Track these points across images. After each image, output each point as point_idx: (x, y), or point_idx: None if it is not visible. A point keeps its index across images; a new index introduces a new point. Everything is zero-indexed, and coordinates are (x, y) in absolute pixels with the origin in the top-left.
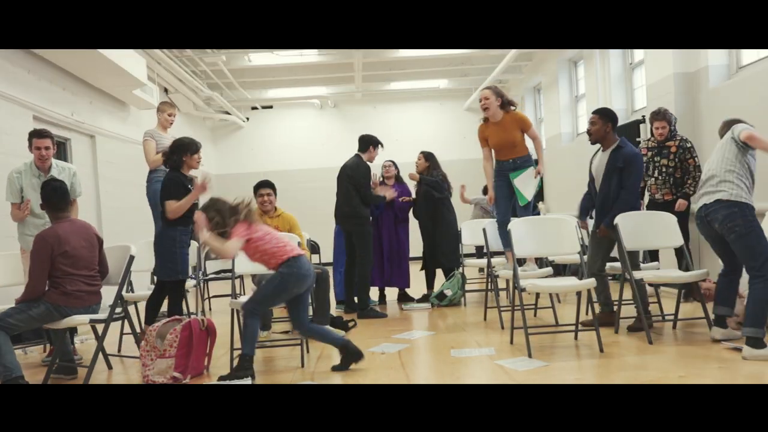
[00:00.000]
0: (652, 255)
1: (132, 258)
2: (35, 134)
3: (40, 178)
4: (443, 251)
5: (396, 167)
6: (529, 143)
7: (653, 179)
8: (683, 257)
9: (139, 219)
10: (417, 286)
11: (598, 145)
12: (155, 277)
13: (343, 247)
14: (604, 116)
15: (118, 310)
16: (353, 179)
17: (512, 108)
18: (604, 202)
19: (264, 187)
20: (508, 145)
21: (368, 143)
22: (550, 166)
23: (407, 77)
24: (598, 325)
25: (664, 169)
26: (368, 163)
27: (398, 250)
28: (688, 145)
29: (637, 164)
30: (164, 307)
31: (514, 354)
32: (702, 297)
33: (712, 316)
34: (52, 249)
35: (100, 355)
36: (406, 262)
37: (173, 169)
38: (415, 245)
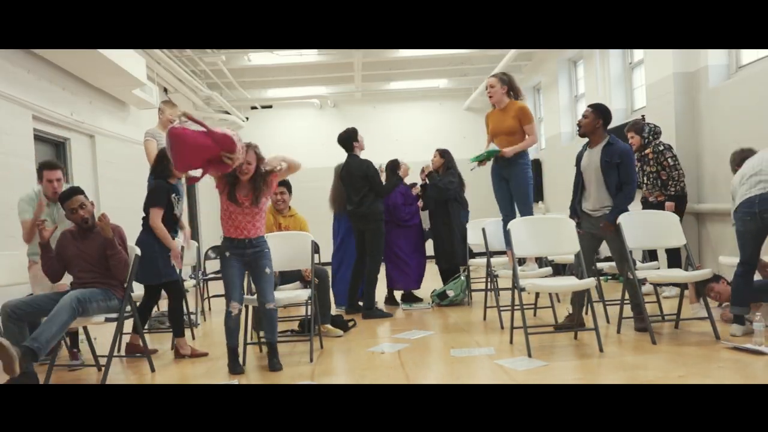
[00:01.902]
0: (651, 254)
1: (137, 257)
2: (46, 166)
3: (49, 206)
4: (444, 250)
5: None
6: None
7: (644, 185)
8: (677, 257)
9: (138, 219)
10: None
11: (583, 145)
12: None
13: (342, 248)
14: (597, 111)
15: (128, 308)
16: (369, 178)
17: (517, 97)
18: (601, 197)
19: (278, 185)
20: (504, 132)
21: (350, 139)
22: (550, 166)
23: (407, 77)
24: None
25: (651, 175)
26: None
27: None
28: (661, 148)
29: (632, 158)
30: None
31: (514, 354)
32: (707, 303)
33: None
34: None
35: (91, 356)
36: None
37: (160, 178)
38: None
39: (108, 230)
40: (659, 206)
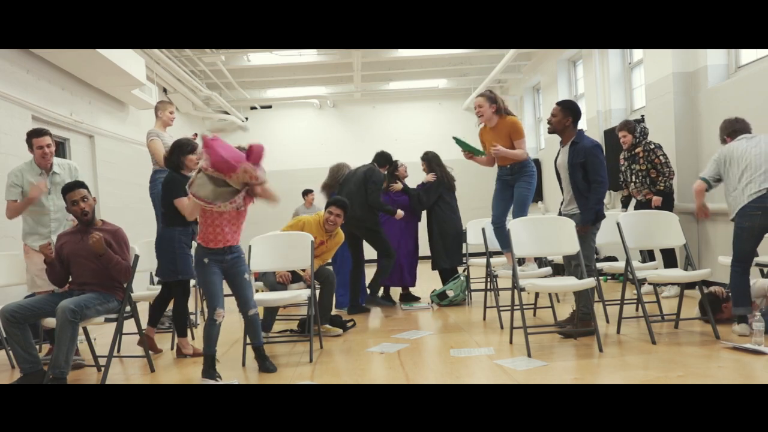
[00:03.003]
0: (650, 254)
1: (137, 258)
2: (33, 134)
3: (42, 176)
4: (437, 251)
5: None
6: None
7: (633, 183)
8: (672, 257)
9: (138, 219)
10: (418, 285)
11: (558, 146)
12: (158, 278)
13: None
14: (565, 109)
15: (128, 309)
16: (369, 181)
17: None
18: (579, 194)
19: (336, 206)
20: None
21: (386, 161)
22: (550, 166)
23: (406, 77)
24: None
25: (640, 174)
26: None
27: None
28: (652, 146)
29: (596, 155)
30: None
31: (514, 354)
32: (709, 312)
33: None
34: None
35: (90, 356)
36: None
37: (173, 170)
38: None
39: (99, 246)
40: (648, 204)
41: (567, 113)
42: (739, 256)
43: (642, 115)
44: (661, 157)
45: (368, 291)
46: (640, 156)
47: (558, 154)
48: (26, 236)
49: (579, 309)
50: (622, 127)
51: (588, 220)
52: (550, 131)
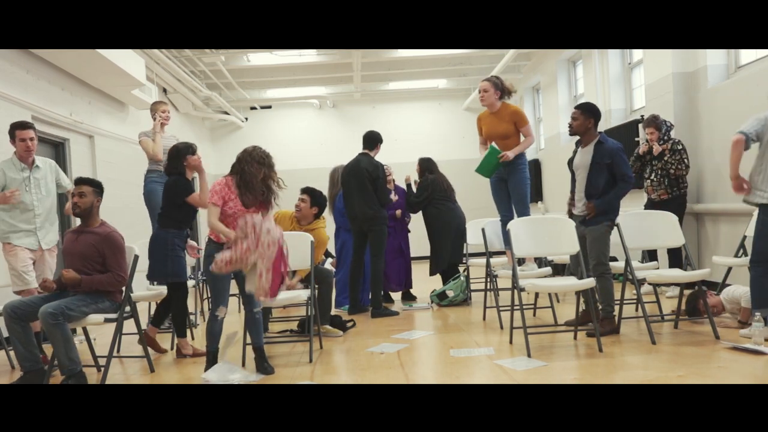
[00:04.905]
0: (651, 254)
1: (137, 258)
2: (18, 126)
3: (24, 171)
4: (434, 256)
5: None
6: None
7: (649, 180)
8: (678, 257)
9: (138, 219)
10: (418, 285)
11: (573, 150)
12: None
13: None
14: (586, 111)
15: (127, 309)
16: (376, 180)
17: (508, 97)
18: (592, 194)
19: (303, 192)
20: (499, 136)
21: (376, 141)
22: (549, 166)
23: (406, 77)
24: (599, 334)
25: (659, 171)
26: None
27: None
28: (679, 147)
29: (622, 156)
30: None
31: (514, 354)
32: (710, 312)
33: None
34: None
35: (90, 356)
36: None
37: (175, 174)
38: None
39: (71, 283)
40: (662, 204)
41: (588, 115)
42: (765, 253)
43: (642, 115)
44: (686, 160)
45: (371, 307)
46: (666, 155)
47: (575, 153)
48: (6, 234)
49: (603, 308)
50: (649, 124)
51: (599, 205)
52: (572, 133)
